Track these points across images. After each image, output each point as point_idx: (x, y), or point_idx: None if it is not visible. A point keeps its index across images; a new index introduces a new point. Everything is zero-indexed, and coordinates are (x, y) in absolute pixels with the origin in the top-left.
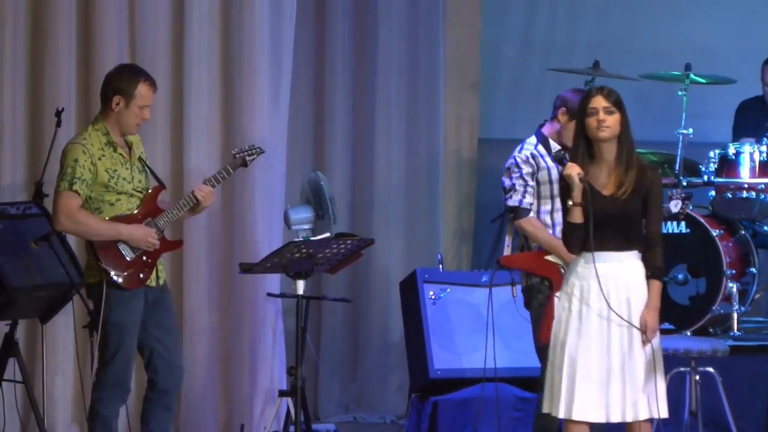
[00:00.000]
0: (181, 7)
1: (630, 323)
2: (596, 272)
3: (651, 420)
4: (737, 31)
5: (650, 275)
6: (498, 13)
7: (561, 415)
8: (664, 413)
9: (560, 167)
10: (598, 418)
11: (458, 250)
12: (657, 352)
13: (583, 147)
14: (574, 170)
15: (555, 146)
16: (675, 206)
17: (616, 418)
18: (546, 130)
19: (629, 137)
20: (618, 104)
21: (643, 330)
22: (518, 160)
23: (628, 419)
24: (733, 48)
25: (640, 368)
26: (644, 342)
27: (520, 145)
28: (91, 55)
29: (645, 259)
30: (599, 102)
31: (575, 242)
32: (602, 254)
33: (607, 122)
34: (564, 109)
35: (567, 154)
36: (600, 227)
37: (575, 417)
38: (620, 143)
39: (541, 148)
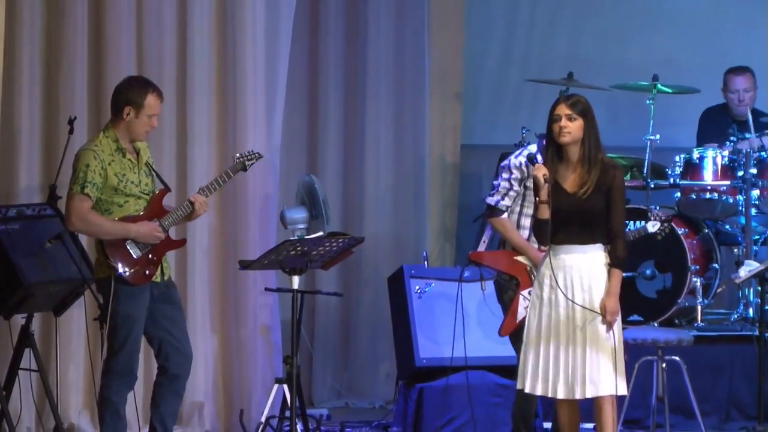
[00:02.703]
0: (184, 21)
1: (589, 308)
2: (551, 264)
3: (621, 398)
4: (700, 45)
5: (611, 264)
6: (480, 28)
7: (539, 392)
8: (623, 390)
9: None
10: (565, 395)
11: (442, 248)
12: (618, 335)
13: (552, 149)
14: (539, 171)
15: None
16: (653, 227)
17: (577, 395)
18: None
19: (593, 141)
20: (582, 112)
21: (603, 313)
22: (512, 164)
23: (589, 395)
24: (696, 60)
25: (601, 350)
26: (606, 324)
27: (521, 149)
28: (102, 68)
29: (609, 250)
30: (562, 109)
31: (544, 236)
32: (568, 247)
33: (567, 128)
34: None
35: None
36: (565, 222)
37: (545, 393)
38: (583, 146)
39: (539, 157)
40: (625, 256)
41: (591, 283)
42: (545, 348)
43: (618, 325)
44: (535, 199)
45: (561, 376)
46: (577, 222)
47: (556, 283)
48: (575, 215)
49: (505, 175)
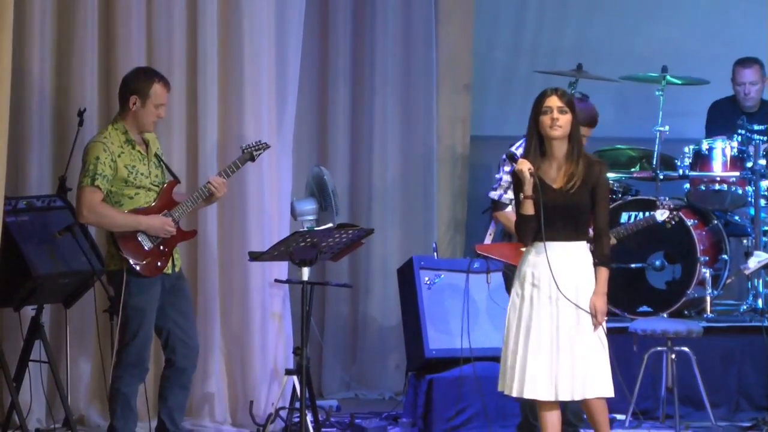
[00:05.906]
0: (195, 14)
1: (578, 306)
2: (548, 259)
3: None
4: (710, 36)
5: (597, 263)
6: (489, 19)
7: (514, 393)
8: (610, 393)
9: (513, 164)
10: (548, 396)
11: (452, 239)
12: (602, 334)
13: (535, 143)
14: (524, 165)
15: None
16: (661, 215)
17: (564, 397)
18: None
19: (578, 135)
20: (570, 105)
21: (593, 314)
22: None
23: (577, 398)
24: (706, 51)
25: (589, 350)
26: (595, 325)
27: (521, 141)
28: (112, 60)
29: (594, 248)
30: (554, 102)
31: (527, 233)
32: (552, 244)
33: (560, 121)
34: None
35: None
36: (550, 219)
37: (526, 395)
38: (570, 141)
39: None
40: (610, 254)
41: (577, 281)
42: (525, 349)
43: (603, 324)
44: (518, 195)
45: (545, 377)
46: (562, 218)
47: (555, 281)
48: (561, 211)
49: (506, 168)
